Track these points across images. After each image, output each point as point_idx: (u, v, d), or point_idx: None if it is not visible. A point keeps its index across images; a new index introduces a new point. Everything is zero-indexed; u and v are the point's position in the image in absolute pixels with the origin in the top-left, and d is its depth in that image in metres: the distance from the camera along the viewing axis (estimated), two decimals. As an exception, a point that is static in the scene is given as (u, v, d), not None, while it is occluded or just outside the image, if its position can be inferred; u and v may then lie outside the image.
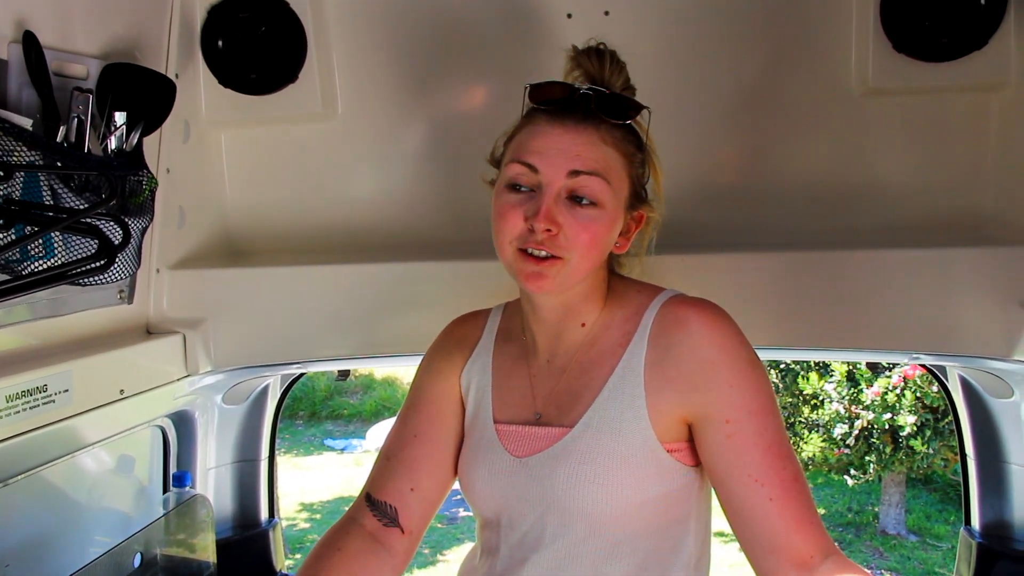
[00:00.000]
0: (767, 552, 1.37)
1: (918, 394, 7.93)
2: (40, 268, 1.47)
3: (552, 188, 1.40)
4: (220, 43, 2.05)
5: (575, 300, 1.51)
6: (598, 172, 1.41)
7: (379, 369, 13.28)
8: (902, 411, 8.02)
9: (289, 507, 9.95)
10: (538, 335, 1.57)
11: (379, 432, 11.01)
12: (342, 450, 12.14)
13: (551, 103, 1.45)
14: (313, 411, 13.39)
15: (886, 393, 8.03)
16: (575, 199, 1.41)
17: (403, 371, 13.67)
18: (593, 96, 1.44)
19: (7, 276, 1.42)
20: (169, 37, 1.96)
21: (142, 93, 1.72)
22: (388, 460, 1.64)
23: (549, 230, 1.39)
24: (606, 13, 2.00)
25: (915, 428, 7.99)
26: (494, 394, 1.58)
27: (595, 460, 1.42)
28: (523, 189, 1.43)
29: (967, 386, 2.25)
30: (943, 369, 2.31)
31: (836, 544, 1.40)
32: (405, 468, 1.61)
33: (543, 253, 1.41)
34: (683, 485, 1.45)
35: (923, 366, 2.36)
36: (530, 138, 1.45)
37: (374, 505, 1.60)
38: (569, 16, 2.01)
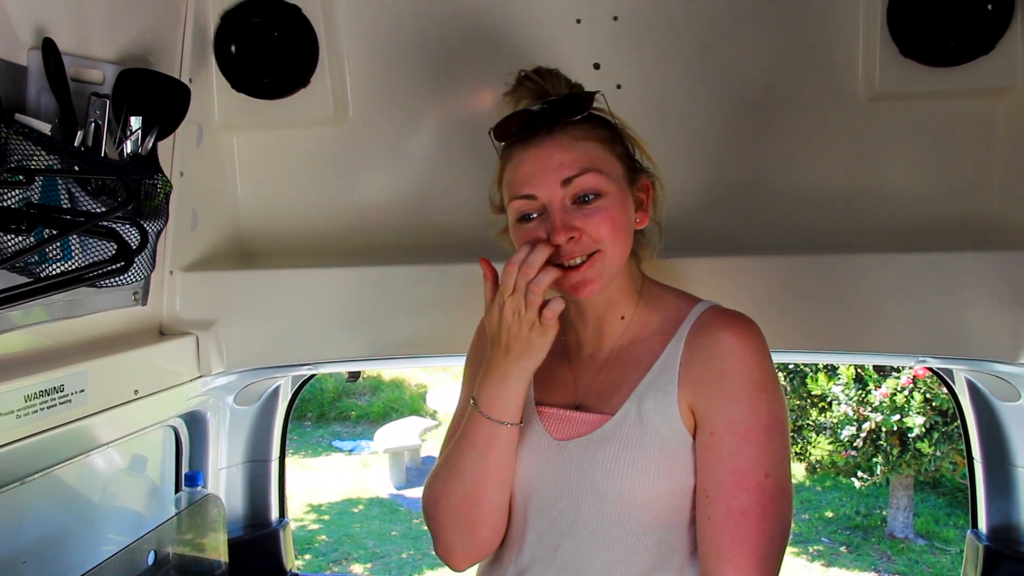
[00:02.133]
0: (701, 562, 1.45)
1: (927, 395, 7.90)
2: (57, 270, 1.49)
3: (555, 203, 1.47)
4: (233, 48, 2.08)
5: (614, 293, 1.57)
6: (586, 168, 1.47)
7: (387, 371, 13.30)
8: (911, 412, 8.00)
9: (297, 508, 9.97)
10: (582, 332, 1.63)
11: (387, 434, 11.01)
12: (350, 451, 12.15)
13: (515, 135, 1.52)
14: (321, 412, 13.41)
15: (895, 394, 8.01)
16: (580, 200, 1.47)
17: (411, 373, 13.70)
18: (548, 107, 1.50)
19: (27, 278, 1.45)
20: (183, 42, 1.99)
21: (157, 98, 1.75)
22: None
23: (572, 237, 1.46)
24: (615, 18, 2.02)
25: (924, 430, 7.96)
26: (536, 380, 1.60)
27: (634, 447, 1.47)
28: (532, 217, 1.50)
29: (974, 389, 2.25)
30: (950, 372, 2.31)
31: None
32: None
33: (577, 260, 1.47)
34: None
35: (930, 369, 2.36)
36: (515, 172, 1.51)
37: None
38: (578, 21, 2.03)
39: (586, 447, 1.51)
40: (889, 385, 8.03)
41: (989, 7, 1.84)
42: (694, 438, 1.47)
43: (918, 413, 7.95)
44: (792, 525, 1.47)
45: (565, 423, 1.56)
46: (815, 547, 9.08)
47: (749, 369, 1.45)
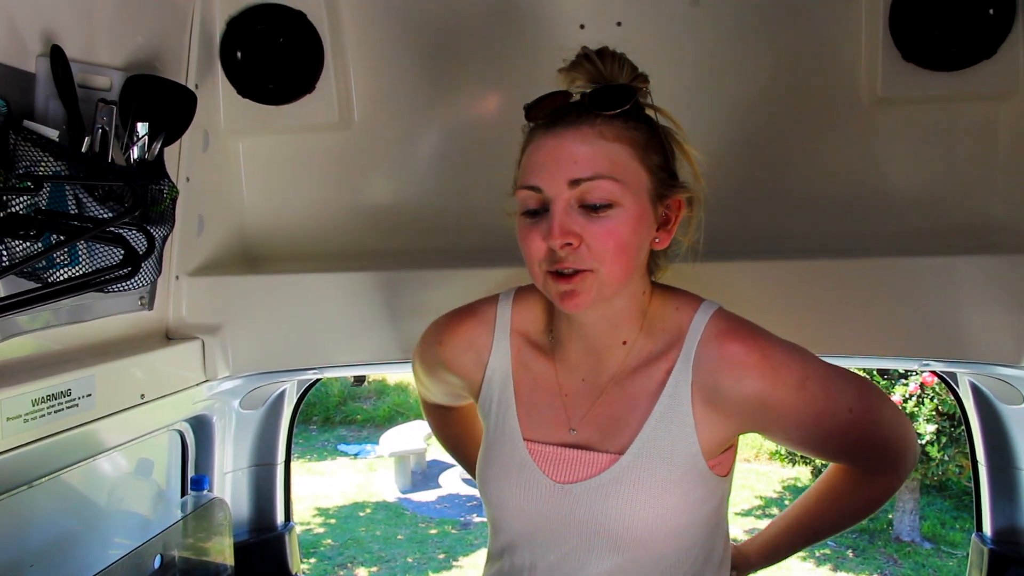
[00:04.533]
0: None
1: (936, 400, 7.89)
2: (65, 276, 1.50)
3: (558, 203, 1.33)
4: (239, 54, 2.09)
5: (618, 315, 1.44)
6: (601, 174, 1.32)
7: (392, 375, 13.31)
8: (920, 419, 7.98)
9: (303, 512, 9.99)
10: (574, 351, 1.50)
11: (392, 438, 11.02)
12: (355, 455, 12.16)
13: (543, 116, 1.39)
14: (327, 416, 13.43)
15: (906, 401, 7.99)
16: (588, 207, 1.33)
17: (416, 377, 13.68)
18: (587, 95, 1.37)
19: (35, 284, 1.46)
20: (189, 49, 2.00)
21: (163, 104, 1.76)
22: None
23: (569, 243, 1.33)
24: (618, 24, 2.02)
25: (933, 436, 7.95)
26: (520, 411, 1.51)
27: (646, 488, 1.39)
28: (536, 212, 1.36)
29: (978, 393, 2.25)
30: (954, 376, 2.32)
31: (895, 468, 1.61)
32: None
33: (571, 270, 1.34)
34: (721, 496, 1.48)
35: (935, 373, 2.37)
36: (529, 158, 1.38)
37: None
38: (582, 27, 2.04)
39: (596, 492, 1.41)
40: (899, 391, 8.02)
41: (991, 11, 1.84)
42: (708, 461, 1.42)
43: (928, 421, 7.93)
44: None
45: (565, 464, 1.45)
46: (821, 551, 9.07)
47: (783, 381, 1.40)
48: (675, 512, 1.40)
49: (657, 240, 1.43)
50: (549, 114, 1.38)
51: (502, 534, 1.54)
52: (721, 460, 1.46)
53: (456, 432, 1.99)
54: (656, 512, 1.39)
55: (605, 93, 1.36)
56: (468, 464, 1.94)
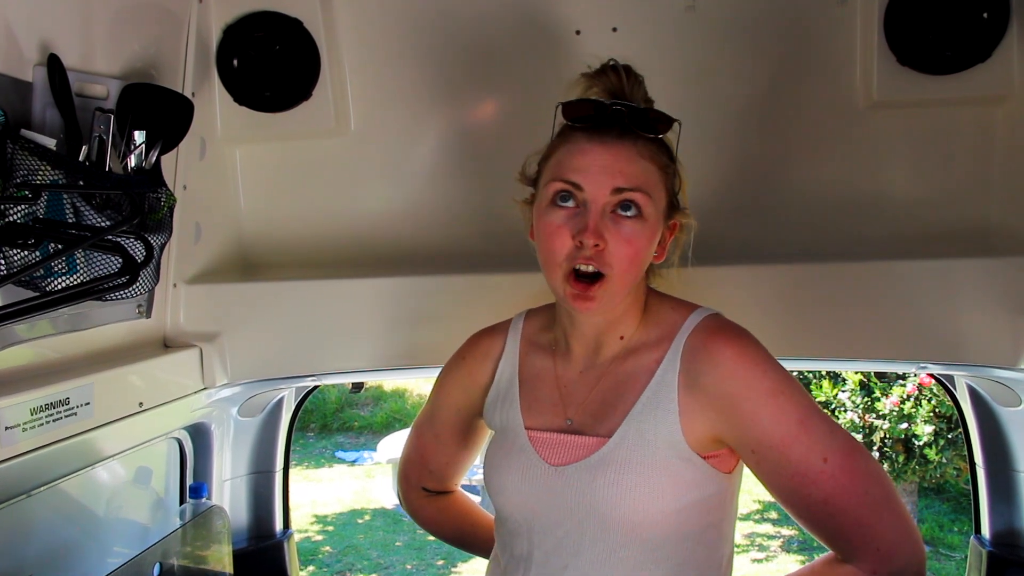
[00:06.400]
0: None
1: (933, 402, 7.89)
2: (63, 284, 1.50)
3: (597, 204, 1.44)
4: (235, 62, 2.09)
5: (618, 318, 1.56)
6: (640, 187, 1.45)
7: (389, 381, 13.29)
8: (917, 420, 7.98)
9: (301, 519, 9.95)
10: (575, 347, 1.60)
11: (390, 444, 10.99)
12: (353, 462, 12.13)
13: (586, 120, 1.48)
14: (324, 423, 13.39)
15: (903, 402, 7.99)
16: (620, 212, 1.45)
17: (413, 383, 13.68)
18: (626, 112, 1.47)
19: (33, 292, 1.46)
20: (186, 57, 2.00)
21: (160, 112, 1.76)
22: (421, 458, 1.93)
23: (597, 245, 1.43)
24: (614, 30, 2.03)
25: (931, 438, 7.95)
26: (523, 404, 1.62)
27: (634, 469, 1.45)
28: (567, 204, 1.47)
29: (975, 395, 2.25)
30: (951, 378, 2.32)
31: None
32: (433, 472, 1.92)
33: (591, 268, 1.45)
34: (718, 491, 1.50)
35: (932, 375, 2.37)
36: (570, 156, 1.48)
37: (424, 489, 1.95)
38: (578, 33, 2.04)
39: (584, 472, 1.48)
40: (896, 393, 8.02)
41: (985, 15, 1.85)
42: (702, 456, 1.46)
43: (926, 422, 7.94)
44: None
45: (559, 447, 1.54)
46: (821, 555, 9.05)
47: (755, 384, 1.44)
48: (661, 494, 1.44)
49: (656, 254, 1.56)
50: (591, 119, 1.48)
51: (504, 525, 1.61)
52: (720, 455, 1.49)
53: (449, 516, 2.00)
54: (643, 492, 1.44)
55: (645, 116, 1.49)
56: (475, 543, 1.96)
